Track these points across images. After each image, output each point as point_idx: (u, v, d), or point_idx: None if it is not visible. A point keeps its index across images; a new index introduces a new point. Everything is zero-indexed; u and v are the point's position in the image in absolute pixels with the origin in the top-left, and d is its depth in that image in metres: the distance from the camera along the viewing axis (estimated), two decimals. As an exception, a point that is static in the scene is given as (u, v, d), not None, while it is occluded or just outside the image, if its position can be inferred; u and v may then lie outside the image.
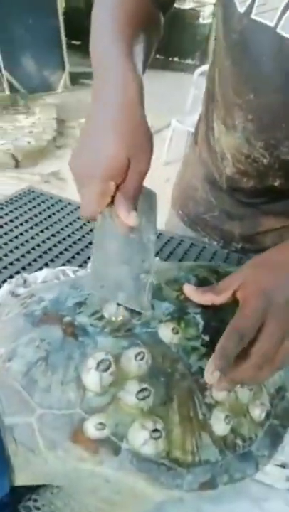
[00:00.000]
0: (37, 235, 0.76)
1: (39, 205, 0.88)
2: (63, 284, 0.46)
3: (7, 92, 3.96)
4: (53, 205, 0.88)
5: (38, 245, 0.73)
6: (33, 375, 0.36)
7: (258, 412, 0.42)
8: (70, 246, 0.74)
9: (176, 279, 0.47)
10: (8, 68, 3.95)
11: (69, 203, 0.92)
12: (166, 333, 0.40)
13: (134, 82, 0.42)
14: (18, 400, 0.35)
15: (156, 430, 0.35)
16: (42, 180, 2.57)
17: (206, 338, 0.42)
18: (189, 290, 0.45)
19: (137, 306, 0.40)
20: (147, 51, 0.52)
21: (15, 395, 0.35)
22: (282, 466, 0.43)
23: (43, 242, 0.74)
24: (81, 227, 0.81)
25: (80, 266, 0.68)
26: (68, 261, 0.69)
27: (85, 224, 0.83)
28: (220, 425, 0.38)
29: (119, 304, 0.40)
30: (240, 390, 0.41)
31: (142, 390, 0.36)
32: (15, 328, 0.40)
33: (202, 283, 0.48)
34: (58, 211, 0.87)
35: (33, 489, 0.36)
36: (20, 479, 0.35)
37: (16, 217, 0.81)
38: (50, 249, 0.72)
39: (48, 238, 0.75)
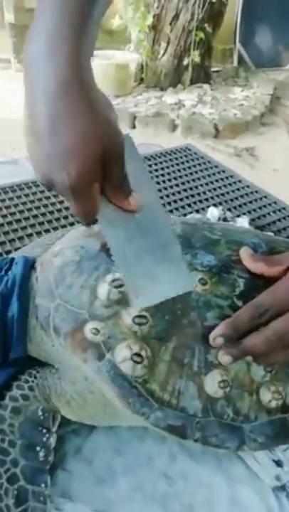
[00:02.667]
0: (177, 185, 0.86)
1: (188, 162, 0.94)
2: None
3: (235, 64, 3.99)
4: (199, 164, 0.93)
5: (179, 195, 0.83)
6: (64, 272, 0.42)
7: (267, 398, 0.39)
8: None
9: (242, 241, 0.45)
10: (243, 41, 3.95)
11: (216, 166, 0.94)
12: None
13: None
14: (47, 287, 0.42)
15: (138, 355, 0.37)
16: (234, 154, 2.57)
17: (238, 303, 0.40)
18: (244, 253, 0.43)
19: (180, 289, 0.37)
20: None
21: (46, 282, 0.42)
22: (277, 463, 0.39)
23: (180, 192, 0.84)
24: (220, 187, 0.86)
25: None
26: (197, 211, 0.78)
27: (225, 186, 0.86)
28: (213, 386, 0.37)
29: None
30: (255, 366, 0.39)
31: (140, 316, 0.38)
32: (75, 235, 0.46)
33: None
34: (202, 170, 0.91)
35: (40, 364, 0.43)
36: (34, 351, 0.43)
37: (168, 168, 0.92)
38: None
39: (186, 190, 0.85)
